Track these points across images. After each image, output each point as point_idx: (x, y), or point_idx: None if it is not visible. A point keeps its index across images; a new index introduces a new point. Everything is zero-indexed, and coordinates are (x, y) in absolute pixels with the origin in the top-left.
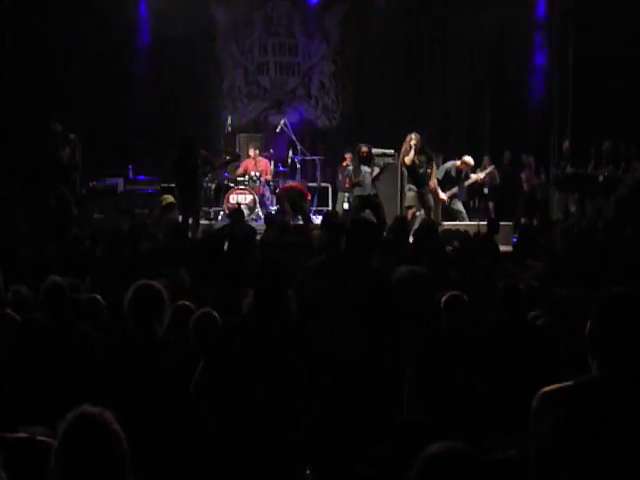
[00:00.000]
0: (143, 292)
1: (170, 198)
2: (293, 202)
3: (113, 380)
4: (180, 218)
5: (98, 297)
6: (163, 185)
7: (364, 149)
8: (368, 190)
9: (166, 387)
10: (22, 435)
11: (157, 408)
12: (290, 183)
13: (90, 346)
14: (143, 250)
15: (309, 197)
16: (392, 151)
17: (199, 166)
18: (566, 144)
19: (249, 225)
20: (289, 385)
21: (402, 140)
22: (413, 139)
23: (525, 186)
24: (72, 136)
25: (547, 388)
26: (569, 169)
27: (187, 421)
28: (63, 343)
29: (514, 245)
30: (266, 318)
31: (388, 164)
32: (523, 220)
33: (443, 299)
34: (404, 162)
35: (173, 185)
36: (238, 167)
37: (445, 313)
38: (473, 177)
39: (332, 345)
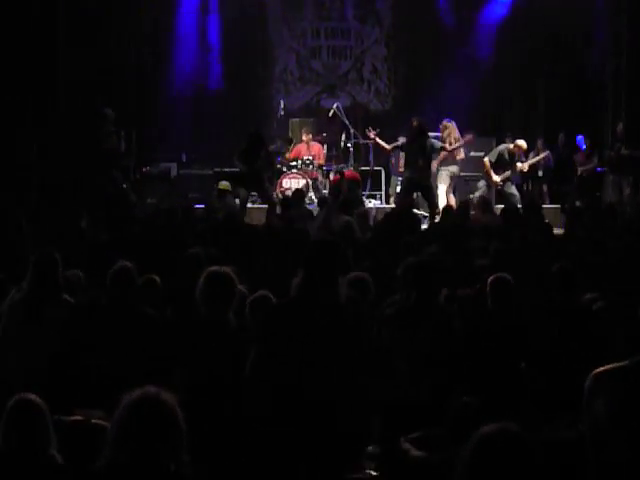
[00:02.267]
0: (215, 279)
1: (225, 184)
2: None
3: (179, 363)
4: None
5: (156, 278)
6: (216, 170)
7: (415, 123)
8: (419, 172)
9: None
10: (77, 418)
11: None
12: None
13: (154, 329)
14: None
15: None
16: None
17: (260, 158)
18: (620, 126)
19: None
20: (336, 368)
21: (456, 123)
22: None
23: (579, 170)
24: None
25: (600, 369)
26: (623, 151)
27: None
28: (126, 326)
29: (565, 229)
30: (315, 300)
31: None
32: (578, 203)
33: (489, 281)
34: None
35: (226, 170)
36: (291, 151)
37: (491, 295)
38: (519, 166)
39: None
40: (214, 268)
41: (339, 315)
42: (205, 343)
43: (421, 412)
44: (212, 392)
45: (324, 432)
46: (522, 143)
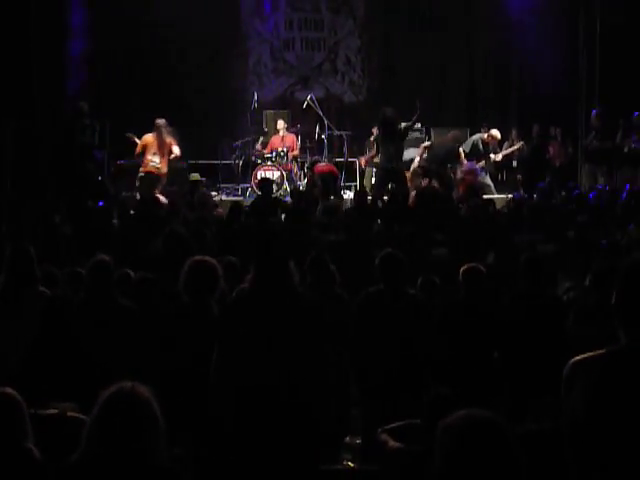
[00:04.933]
0: (198, 268)
1: (195, 175)
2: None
3: (160, 354)
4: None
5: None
6: (190, 162)
7: (388, 114)
8: (393, 161)
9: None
10: (53, 411)
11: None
12: (324, 166)
13: (133, 321)
14: None
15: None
16: (419, 125)
17: None
18: (594, 113)
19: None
20: (300, 357)
21: (430, 114)
22: None
23: (555, 161)
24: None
25: (578, 357)
26: (596, 142)
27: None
28: (104, 319)
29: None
30: (270, 292)
31: (416, 138)
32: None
33: (461, 270)
34: None
35: (201, 162)
36: (266, 143)
37: (464, 285)
38: (492, 157)
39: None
40: (198, 257)
41: (297, 303)
42: (188, 330)
43: None
44: (195, 379)
45: (297, 424)
46: (496, 133)
